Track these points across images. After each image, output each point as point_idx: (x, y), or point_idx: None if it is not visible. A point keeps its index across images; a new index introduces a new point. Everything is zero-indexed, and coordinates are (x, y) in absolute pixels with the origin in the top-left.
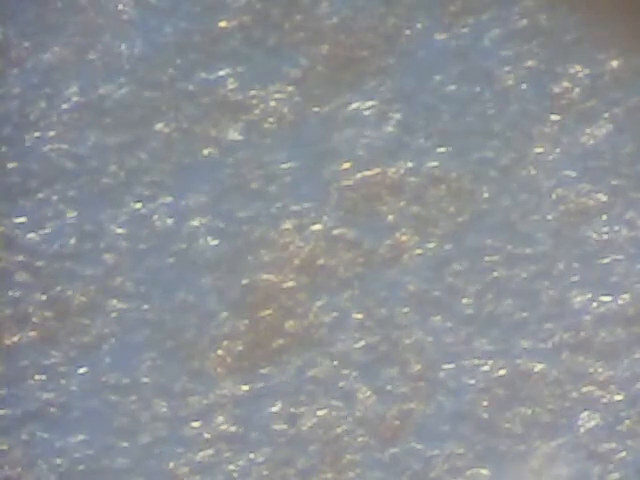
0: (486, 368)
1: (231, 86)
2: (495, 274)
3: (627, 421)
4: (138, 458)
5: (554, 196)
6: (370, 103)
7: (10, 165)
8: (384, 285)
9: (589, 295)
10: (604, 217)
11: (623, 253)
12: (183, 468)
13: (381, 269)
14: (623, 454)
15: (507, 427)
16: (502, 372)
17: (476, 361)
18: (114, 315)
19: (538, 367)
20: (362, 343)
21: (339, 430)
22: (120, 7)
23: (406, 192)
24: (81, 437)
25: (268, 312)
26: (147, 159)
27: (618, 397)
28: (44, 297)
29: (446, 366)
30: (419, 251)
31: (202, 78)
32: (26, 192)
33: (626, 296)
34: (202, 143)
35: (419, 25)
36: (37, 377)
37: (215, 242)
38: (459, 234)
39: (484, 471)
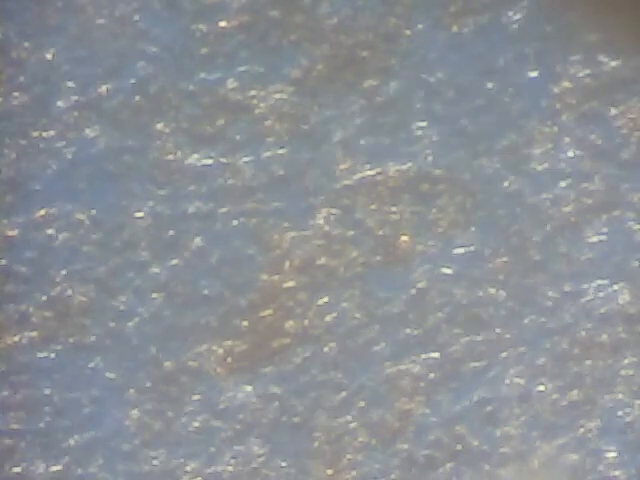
0: (486, 368)
1: (231, 86)
2: (494, 273)
3: (627, 421)
4: (137, 457)
5: (554, 196)
6: (370, 103)
7: (10, 164)
8: (384, 285)
9: (589, 295)
10: (604, 217)
11: (623, 253)
12: (183, 467)
13: (381, 269)
14: (623, 454)
15: (507, 427)
16: (502, 372)
17: (476, 361)
18: (114, 315)
19: (538, 366)
20: (362, 343)
21: (339, 430)
22: (120, 8)
23: (406, 192)
24: (85, 436)
25: (268, 312)
26: (147, 158)
27: (619, 397)
28: (44, 297)
29: (446, 366)
30: (419, 251)
31: (202, 78)
32: (26, 191)
33: (626, 296)
34: (202, 143)
35: (419, 25)
36: (37, 376)
37: (215, 242)
38: (459, 234)
39: (484, 470)
